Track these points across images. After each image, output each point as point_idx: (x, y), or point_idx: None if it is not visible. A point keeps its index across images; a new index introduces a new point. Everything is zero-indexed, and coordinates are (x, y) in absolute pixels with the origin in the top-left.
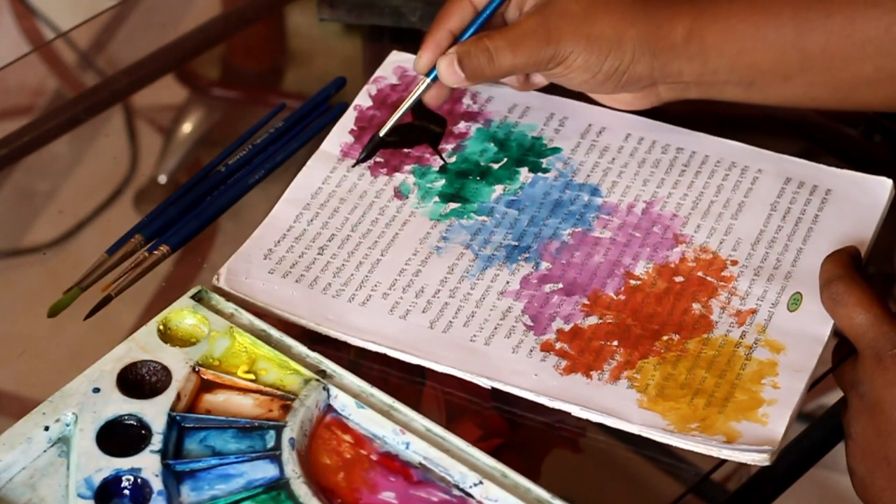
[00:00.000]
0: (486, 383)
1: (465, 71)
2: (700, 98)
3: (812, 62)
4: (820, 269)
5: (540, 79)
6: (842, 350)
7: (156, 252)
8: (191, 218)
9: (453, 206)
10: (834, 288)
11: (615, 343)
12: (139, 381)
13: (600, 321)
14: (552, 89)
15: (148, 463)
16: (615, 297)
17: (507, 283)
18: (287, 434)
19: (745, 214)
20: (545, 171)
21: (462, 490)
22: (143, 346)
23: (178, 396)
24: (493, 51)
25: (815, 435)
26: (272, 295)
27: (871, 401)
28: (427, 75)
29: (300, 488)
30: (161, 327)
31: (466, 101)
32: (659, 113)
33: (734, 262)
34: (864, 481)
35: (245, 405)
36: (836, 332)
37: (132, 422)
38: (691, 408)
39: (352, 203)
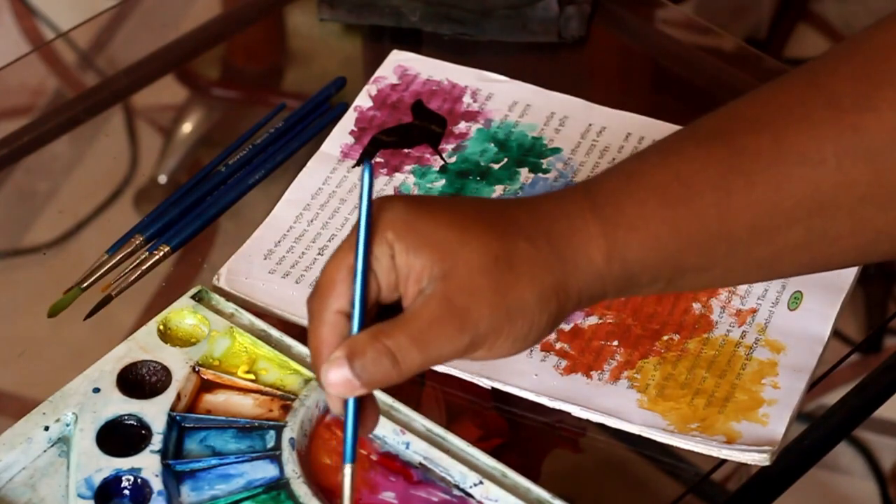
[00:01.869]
0: (486, 383)
1: (361, 380)
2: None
3: (737, 246)
4: None
5: None
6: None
7: (156, 252)
8: (191, 218)
9: None
10: None
11: (615, 343)
12: (139, 381)
13: (600, 321)
14: (552, 88)
15: (148, 463)
16: None
17: None
18: (287, 434)
19: None
20: (545, 171)
21: (462, 490)
22: (143, 346)
23: (178, 396)
24: (396, 352)
25: (815, 435)
26: (272, 295)
27: None
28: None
29: (300, 488)
30: (161, 327)
31: (467, 99)
32: (659, 112)
33: None
34: None
35: (245, 405)
36: (837, 332)
37: (132, 422)
38: (691, 408)
39: (352, 203)
